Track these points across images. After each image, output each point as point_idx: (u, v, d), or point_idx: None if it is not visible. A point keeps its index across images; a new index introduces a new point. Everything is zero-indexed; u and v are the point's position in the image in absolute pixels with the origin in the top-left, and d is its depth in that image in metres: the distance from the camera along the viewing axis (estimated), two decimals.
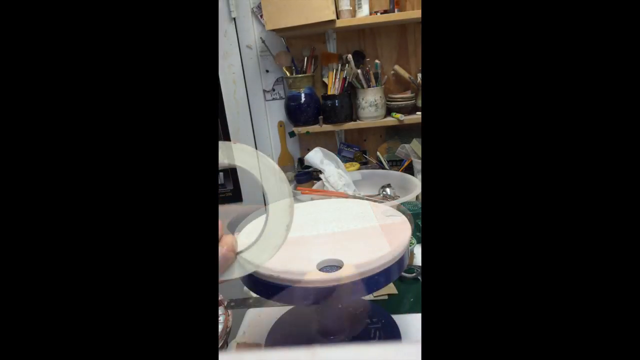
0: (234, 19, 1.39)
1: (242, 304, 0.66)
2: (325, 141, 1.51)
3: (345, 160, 1.40)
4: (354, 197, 1.03)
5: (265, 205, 0.37)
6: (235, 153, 0.35)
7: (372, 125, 1.33)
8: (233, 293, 0.68)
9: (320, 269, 0.41)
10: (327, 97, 1.32)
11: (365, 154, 1.48)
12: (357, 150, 1.48)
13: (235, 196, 1.55)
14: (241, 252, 0.37)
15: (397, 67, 1.35)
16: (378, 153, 1.45)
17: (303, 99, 1.33)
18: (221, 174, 1.54)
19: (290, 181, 1.52)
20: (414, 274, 0.70)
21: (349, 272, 0.39)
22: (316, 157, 1.13)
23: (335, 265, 0.42)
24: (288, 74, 1.36)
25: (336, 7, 1.22)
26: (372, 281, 0.40)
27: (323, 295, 0.39)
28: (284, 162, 1.55)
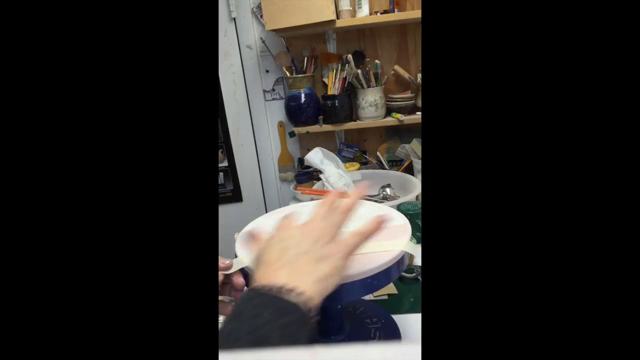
0: (234, 19, 1.39)
1: None
2: (325, 141, 1.50)
3: (345, 160, 1.40)
4: None
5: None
6: None
7: (372, 125, 1.33)
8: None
9: None
10: (327, 97, 1.32)
11: (365, 154, 1.48)
12: (357, 150, 1.48)
13: (235, 196, 1.55)
14: None
15: (397, 67, 1.35)
16: (378, 153, 1.45)
17: (303, 99, 1.33)
18: (221, 174, 1.54)
19: (290, 181, 1.52)
20: (414, 274, 0.70)
21: (349, 272, 0.39)
22: (316, 157, 1.13)
23: None
24: (288, 74, 1.36)
25: (336, 7, 1.21)
26: (372, 281, 0.40)
27: None
28: (284, 162, 1.55)
